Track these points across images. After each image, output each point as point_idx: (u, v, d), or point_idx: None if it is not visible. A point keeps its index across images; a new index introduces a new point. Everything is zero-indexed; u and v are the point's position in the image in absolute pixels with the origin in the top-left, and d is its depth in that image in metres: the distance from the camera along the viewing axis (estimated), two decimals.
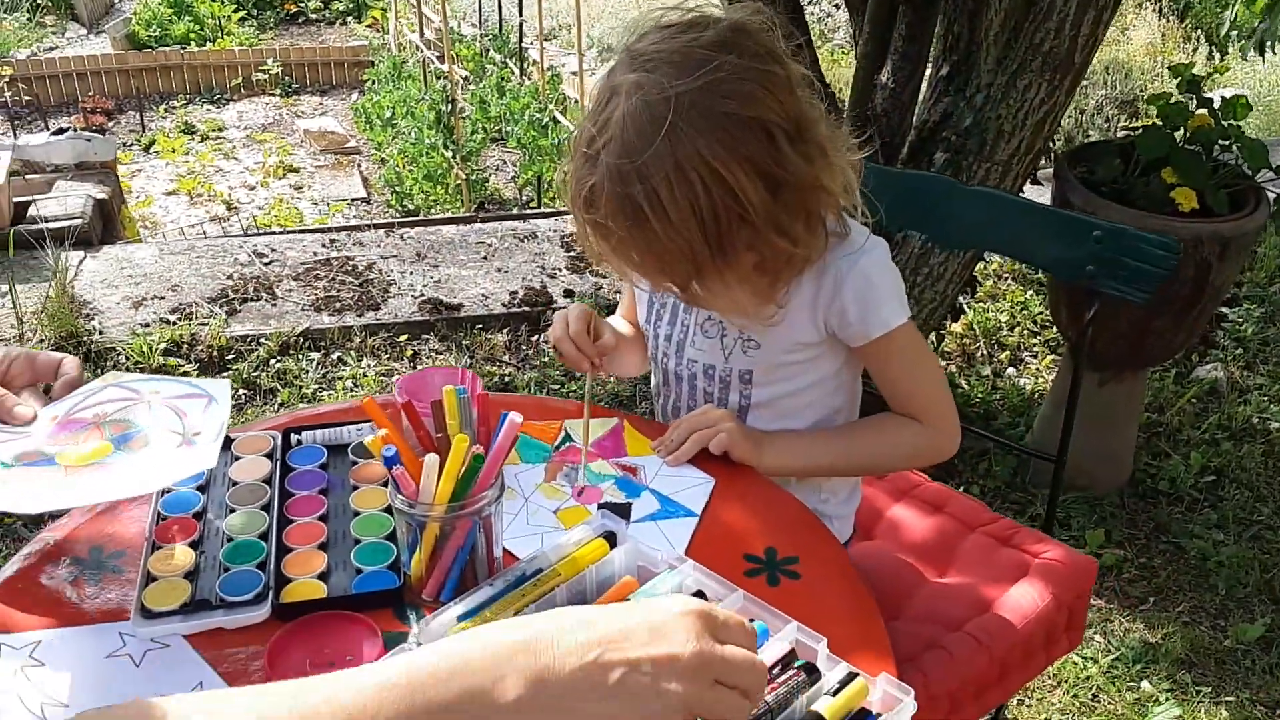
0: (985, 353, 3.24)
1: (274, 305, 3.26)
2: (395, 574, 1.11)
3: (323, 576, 1.11)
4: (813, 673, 0.95)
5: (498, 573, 1.06)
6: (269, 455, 1.27)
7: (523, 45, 7.07)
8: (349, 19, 9.78)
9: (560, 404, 1.45)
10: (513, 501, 1.26)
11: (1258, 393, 3.08)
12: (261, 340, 3.11)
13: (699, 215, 1.14)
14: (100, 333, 3.06)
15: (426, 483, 1.03)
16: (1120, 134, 5.33)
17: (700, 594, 1.04)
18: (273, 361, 3.08)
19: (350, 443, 1.31)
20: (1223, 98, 2.52)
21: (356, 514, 1.20)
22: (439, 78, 6.28)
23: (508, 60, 7.11)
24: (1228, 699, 2.18)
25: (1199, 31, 6.07)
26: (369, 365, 3.13)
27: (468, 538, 1.07)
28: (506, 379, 3.08)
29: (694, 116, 1.12)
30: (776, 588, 1.12)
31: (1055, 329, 3.34)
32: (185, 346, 3.04)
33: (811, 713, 0.92)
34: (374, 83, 7.05)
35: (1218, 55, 6.03)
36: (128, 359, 2.96)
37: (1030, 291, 3.52)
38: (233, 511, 1.18)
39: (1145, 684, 2.21)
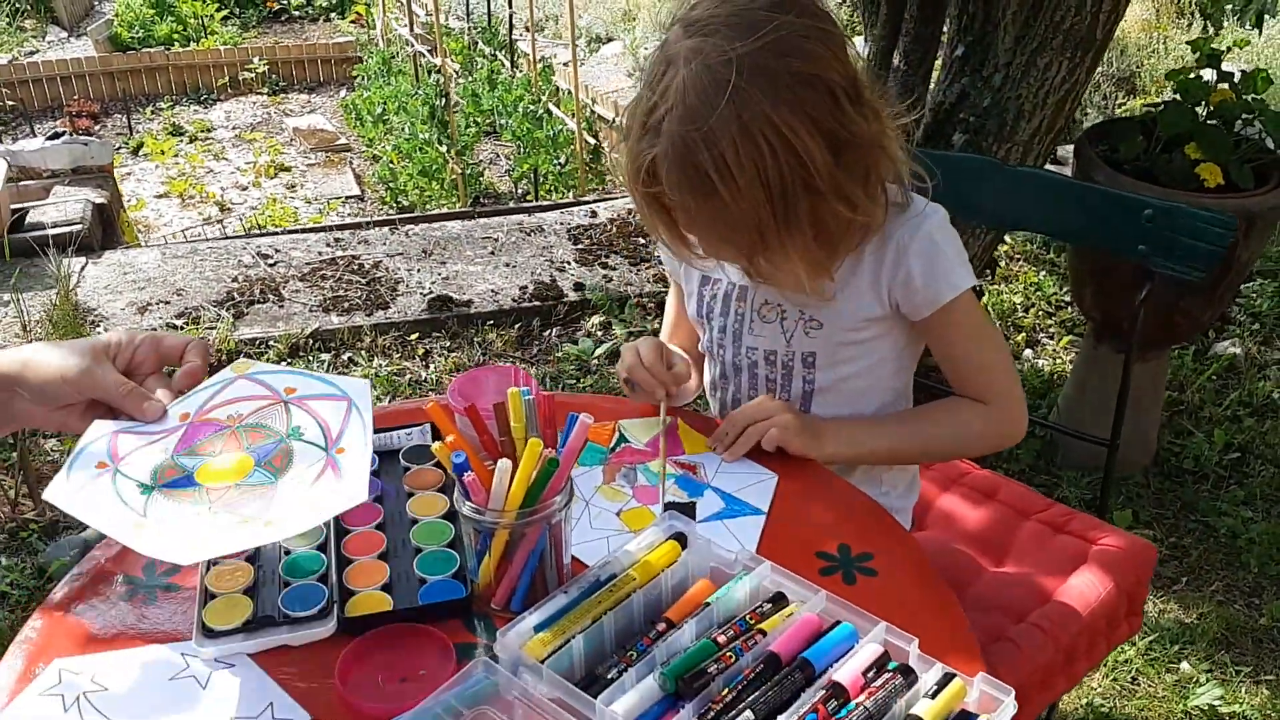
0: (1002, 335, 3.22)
1: (281, 307, 3.21)
2: (461, 583, 1.08)
3: (386, 588, 1.08)
4: (909, 674, 0.92)
5: (569, 580, 1.03)
6: None
7: (513, 37, 7.01)
8: (332, 15, 9.70)
9: (613, 403, 1.42)
10: (574, 506, 1.22)
11: (1276, 368, 3.06)
12: (271, 342, 3.07)
13: (765, 180, 1.11)
14: None
15: (498, 489, 1.00)
16: (1118, 111, 5.31)
17: (781, 596, 1.01)
18: (283, 364, 3.03)
19: (401, 448, 1.27)
20: (1242, 71, 2.49)
21: (414, 521, 1.16)
22: (431, 72, 6.22)
23: (497, 53, 7.05)
24: (1268, 678, 2.17)
25: (1193, 7, 6.05)
26: (381, 365, 3.09)
27: (537, 544, 1.04)
28: None
29: (757, 77, 1.10)
30: (854, 586, 1.09)
31: (1070, 310, 3.32)
32: None
33: (912, 716, 0.89)
34: (364, 79, 6.98)
35: (1212, 30, 6.02)
36: None
37: (1043, 272, 3.50)
38: None
39: (1184, 665, 2.19)
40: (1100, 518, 1.57)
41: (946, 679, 0.92)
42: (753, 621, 0.98)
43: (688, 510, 1.21)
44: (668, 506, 1.21)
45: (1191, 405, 2.92)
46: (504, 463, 0.99)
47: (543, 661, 0.94)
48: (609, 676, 0.94)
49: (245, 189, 6.12)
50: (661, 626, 0.99)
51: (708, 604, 1.00)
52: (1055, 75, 2.39)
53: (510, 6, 6.84)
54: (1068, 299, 3.36)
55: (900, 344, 1.35)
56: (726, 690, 0.91)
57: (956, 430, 1.32)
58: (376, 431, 1.28)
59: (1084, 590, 1.42)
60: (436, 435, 1.29)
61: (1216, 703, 2.09)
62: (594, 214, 3.80)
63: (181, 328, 3.08)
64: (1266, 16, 3.55)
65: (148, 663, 1.00)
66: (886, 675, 0.92)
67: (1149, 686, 2.15)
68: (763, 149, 1.10)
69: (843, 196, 1.16)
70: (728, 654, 0.94)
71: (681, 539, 1.07)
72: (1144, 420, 2.66)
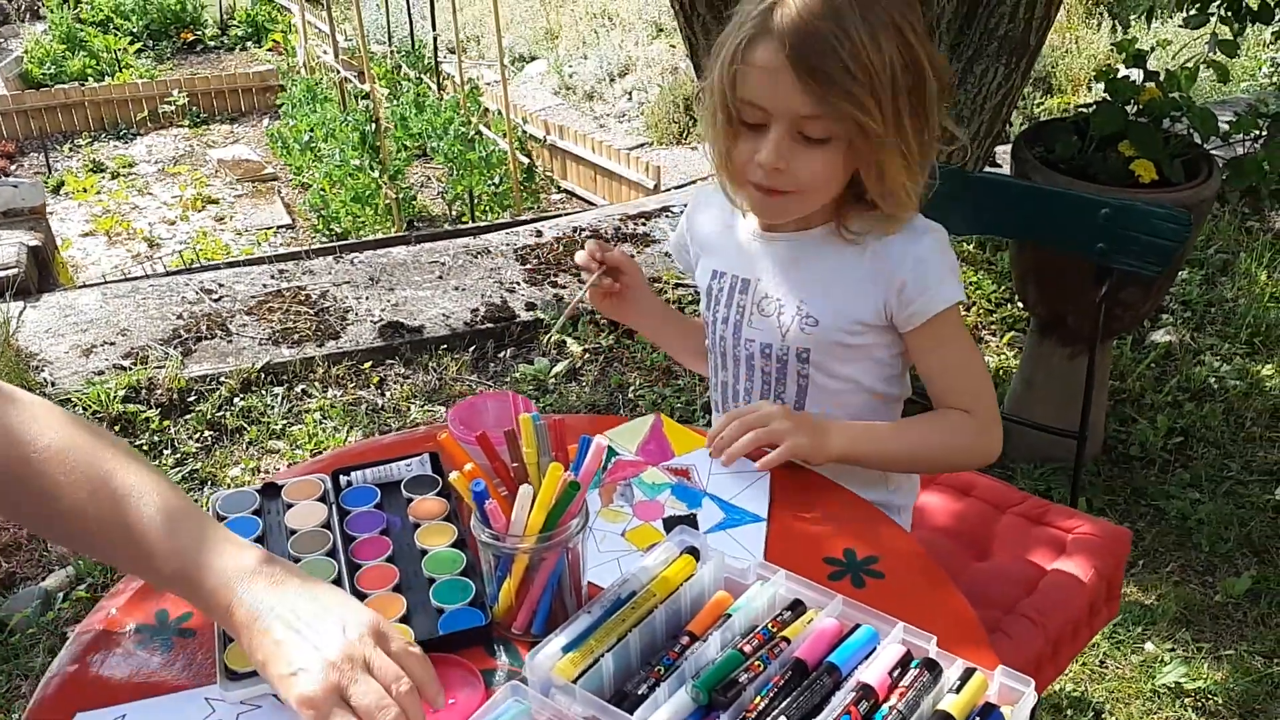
0: None
1: (230, 342, 3.17)
2: (479, 610, 1.09)
3: (405, 619, 1.08)
4: (934, 669, 0.95)
5: (589, 600, 1.05)
6: (322, 499, 1.23)
7: (438, 60, 7.00)
8: (249, 44, 9.60)
9: (604, 422, 1.43)
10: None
11: (1210, 353, 3.18)
12: (221, 379, 3.03)
13: (886, 64, 1.18)
14: (53, 384, 2.95)
15: (518, 514, 1.01)
16: (1038, 110, 5.47)
17: (798, 603, 1.04)
18: (236, 400, 3.00)
19: (402, 479, 1.27)
20: (1166, 70, 2.59)
21: (424, 552, 1.17)
22: (359, 98, 6.18)
23: (423, 76, 7.04)
24: (1227, 653, 2.25)
25: (1100, 8, 6.26)
26: (335, 395, 3.06)
27: (556, 567, 1.05)
28: None
29: None
30: (863, 589, 1.12)
31: (1010, 307, 3.41)
32: (144, 391, 2.95)
33: (940, 712, 0.92)
34: (289, 107, 6.92)
35: (1120, 28, 6.23)
36: (85, 409, 2.86)
37: (980, 272, 3.59)
38: (298, 560, 1.14)
39: (1149, 645, 2.27)
40: (1072, 507, 1.62)
41: (968, 674, 0.96)
42: (775, 629, 1.01)
43: (689, 524, 1.23)
44: (668, 527, 1.23)
45: (1133, 393, 3.01)
46: (526, 489, 1.00)
47: (574, 681, 0.95)
48: (640, 693, 0.96)
49: (173, 223, 6.03)
50: (685, 640, 1.01)
51: (729, 615, 1.02)
52: (992, 81, 2.47)
53: (434, 29, 6.83)
54: (1006, 297, 3.45)
55: (893, 352, 1.39)
56: (759, 699, 0.93)
57: (945, 439, 1.35)
58: (375, 464, 1.29)
59: (1066, 578, 1.47)
60: (436, 466, 1.30)
61: (1182, 680, 2.16)
62: (539, 234, 3.81)
63: (129, 368, 3.02)
64: (1158, 12, 3.71)
65: (174, 710, 0.99)
66: (914, 673, 0.95)
67: (1117, 668, 2.22)
68: (878, 29, 1.17)
69: (929, 118, 1.24)
70: (755, 663, 0.96)
71: (694, 553, 1.09)
72: (1092, 410, 2.75)
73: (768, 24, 1.20)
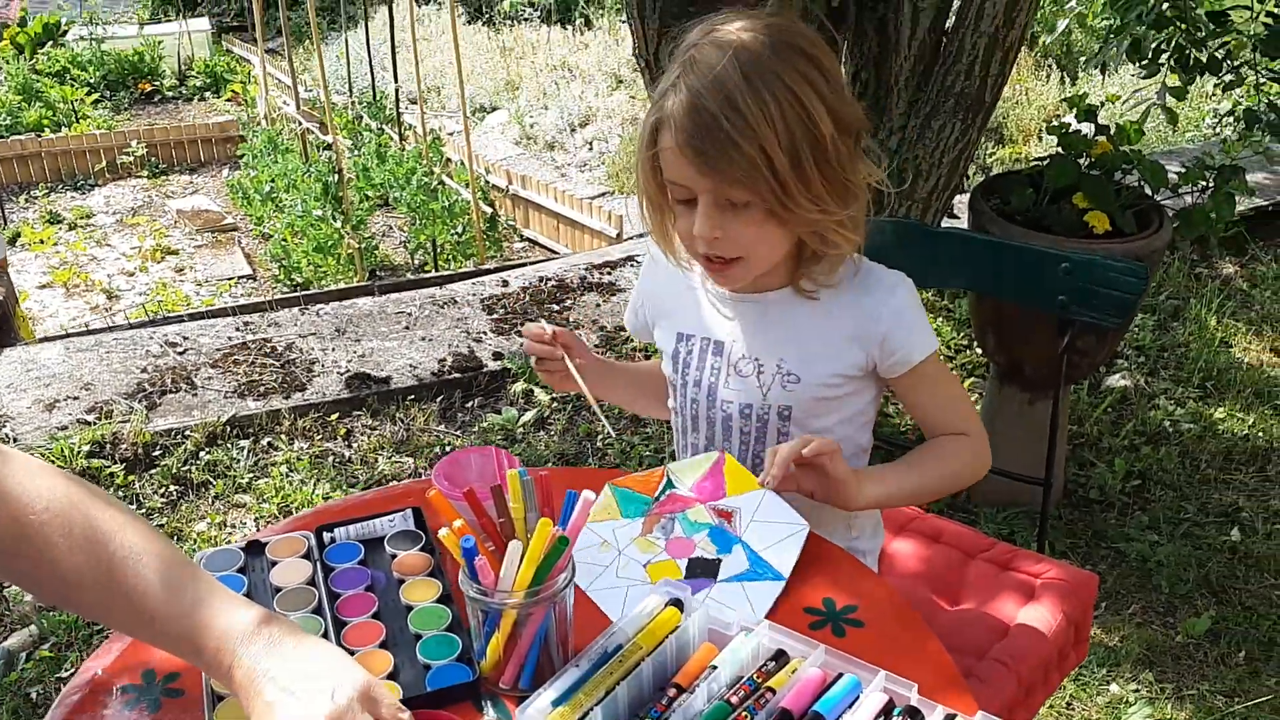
0: None
1: (195, 395, 3.16)
2: (467, 666, 1.10)
3: (392, 676, 1.09)
4: (916, 716, 0.98)
5: (578, 653, 1.06)
6: (306, 556, 1.24)
7: (399, 110, 7.04)
8: (208, 94, 9.60)
9: (603, 474, 1.44)
10: (606, 554, 1.26)
11: (1164, 397, 3.26)
12: (187, 433, 3.01)
13: (771, 121, 1.20)
14: (15, 440, 2.92)
15: (507, 570, 1.03)
16: (990, 160, 5.60)
17: (782, 653, 1.06)
18: (201, 454, 2.98)
19: (386, 534, 1.29)
20: (1116, 124, 2.68)
21: (410, 608, 1.18)
22: (322, 149, 6.20)
23: (384, 126, 7.07)
24: (1189, 692, 2.29)
25: (1049, 60, 6.43)
26: (302, 447, 3.05)
27: (543, 622, 1.07)
28: (448, 447, 3.05)
29: (763, 48, 1.22)
30: (844, 639, 1.14)
31: (968, 353, 3.47)
32: (109, 446, 2.92)
33: None
34: (249, 157, 6.91)
35: (1069, 81, 6.40)
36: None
37: (940, 319, 3.66)
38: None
39: (1114, 686, 2.30)
40: (1040, 551, 1.66)
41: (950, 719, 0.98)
42: (760, 680, 1.03)
43: (711, 568, 1.24)
44: (690, 569, 1.24)
45: (1091, 438, 3.08)
46: (515, 544, 1.02)
47: None
48: None
49: (132, 275, 5.99)
50: (672, 692, 1.03)
51: (714, 666, 1.04)
52: (949, 136, 2.54)
53: (396, 80, 6.88)
54: (966, 343, 3.52)
55: (868, 400, 1.43)
56: None
57: (955, 465, 1.39)
58: (358, 520, 1.30)
59: (1036, 623, 1.50)
60: (419, 521, 1.31)
61: None
62: (505, 283, 3.83)
63: (93, 423, 3.00)
64: (1111, 67, 3.84)
65: None
66: None
67: (1084, 710, 2.25)
68: (766, 99, 1.20)
69: (842, 170, 1.26)
70: (742, 713, 0.98)
71: (679, 604, 1.11)
72: (1054, 459, 2.81)
73: (664, 108, 1.25)
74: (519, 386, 3.27)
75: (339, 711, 0.90)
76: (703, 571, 1.24)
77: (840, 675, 1.03)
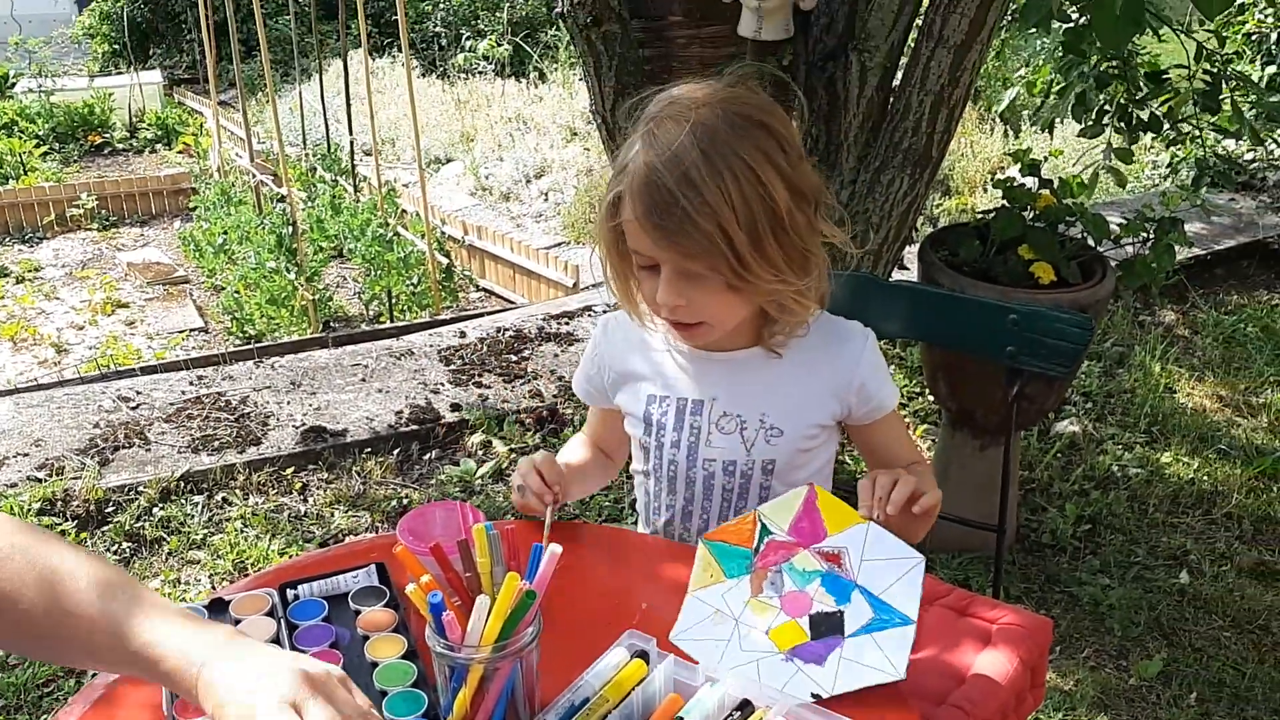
0: None
1: (148, 451, 3.13)
2: None
3: None
4: None
5: (545, 707, 1.07)
6: (269, 614, 1.24)
7: (354, 162, 7.06)
8: (159, 146, 9.55)
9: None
10: (723, 626, 1.22)
11: (1112, 442, 3.33)
12: (140, 489, 2.98)
13: (729, 198, 1.23)
14: None
15: (475, 624, 1.03)
16: (937, 211, 5.71)
17: (747, 703, 1.08)
18: (155, 510, 2.95)
19: (349, 590, 1.29)
20: (1059, 178, 2.77)
21: (375, 664, 1.18)
22: (276, 200, 6.19)
23: (339, 178, 7.08)
24: None
25: (994, 116, 6.59)
26: (257, 502, 3.03)
27: (510, 676, 1.07)
28: (405, 501, 3.04)
29: (718, 121, 1.25)
30: None
31: (921, 400, 3.53)
32: (60, 503, 2.88)
33: None
34: (202, 210, 6.88)
35: (1013, 136, 6.56)
36: None
37: (892, 366, 3.72)
38: None
39: None
40: (995, 597, 1.69)
41: None
42: None
43: (835, 623, 1.20)
44: (814, 627, 1.21)
45: (1041, 483, 3.13)
46: (483, 599, 1.03)
47: None
48: None
49: (82, 328, 5.91)
50: None
51: (680, 717, 1.05)
52: (898, 190, 2.60)
53: (350, 132, 6.90)
54: (917, 390, 3.57)
55: (833, 449, 1.48)
56: None
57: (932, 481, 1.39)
58: (320, 577, 1.30)
59: (993, 668, 1.52)
60: (383, 577, 1.31)
61: None
62: (463, 334, 3.84)
63: (44, 480, 2.96)
64: (1057, 124, 3.96)
65: None
66: None
67: None
68: (724, 176, 1.23)
69: (801, 239, 1.29)
70: None
71: (645, 656, 1.13)
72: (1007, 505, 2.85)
73: (623, 182, 1.29)
74: (477, 438, 3.27)
75: (307, 681, 0.90)
76: (828, 629, 1.20)
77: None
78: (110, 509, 2.92)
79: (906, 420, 3.47)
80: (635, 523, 1.63)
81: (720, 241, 1.24)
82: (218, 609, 1.25)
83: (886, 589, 1.21)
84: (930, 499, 1.27)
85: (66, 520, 2.85)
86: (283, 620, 1.23)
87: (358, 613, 1.26)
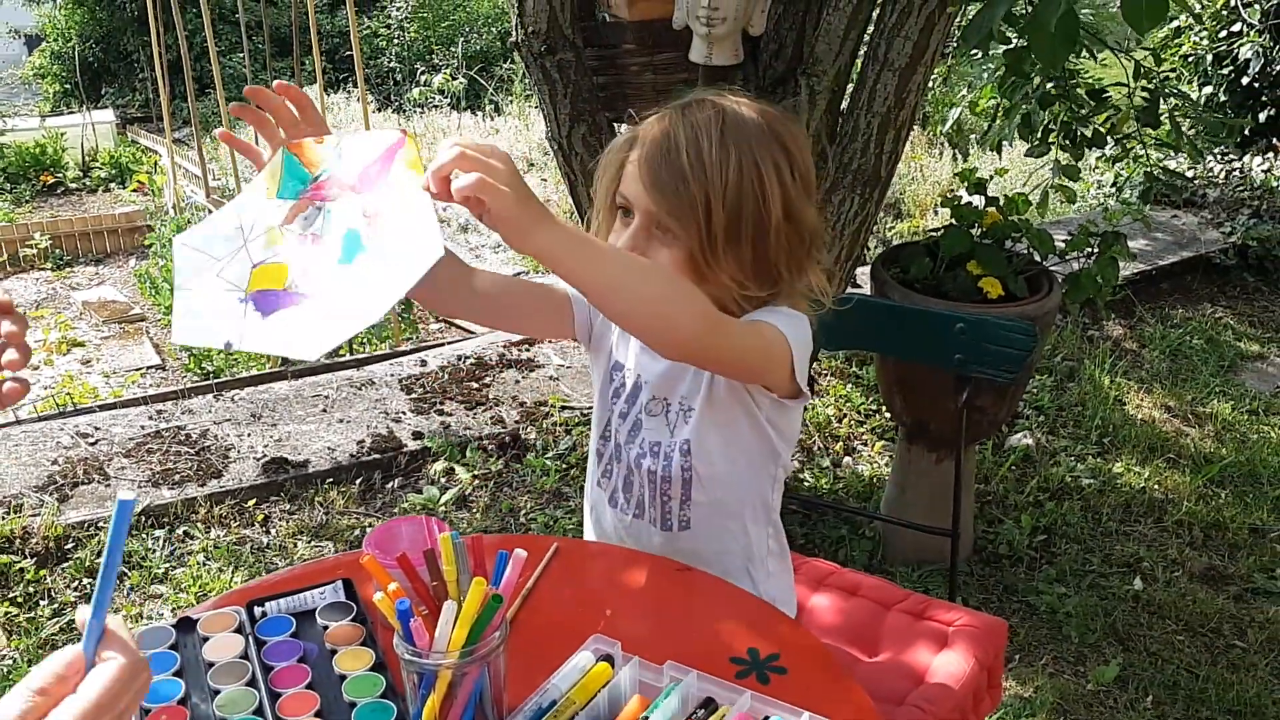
0: (821, 445, 3.44)
1: (108, 486, 3.11)
2: None
3: None
4: None
5: (512, 711, 1.09)
6: (238, 631, 1.25)
7: None
8: (112, 185, 9.49)
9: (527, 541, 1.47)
10: (228, 245, 1.07)
11: (1065, 454, 3.40)
12: (100, 525, 2.96)
13: (725, 181, 1.27)
14: None
15: (442, 629, 1.06)
16: (889, 233, 5.81)
17: (710, 700, 1.11)
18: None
19: (316, 607, 1.30)
20: (1005, 196, 2.84)
21: (343, 677, 1.19)
22: None
23: None
24: None
25: (939, 139, 6.72)
26: (219, 535, 3.02)
27: (479, 681, 1.10)
28: (368, 530, 3.03)
29: (743, 123, 1.30)
30: (769, 686, 1.19)
31: (878, 417, 3.58)
32: (19, 541, 2.86)
33: None
34: (158, 247, 6.84)
35: (960, 158, 6.69)
36: None
37: (850, 385, 3.77)
38: (218, 693, 1.16)
39: None
40: (951, 600, 1.73)
41: None
42: None
43: (316, 281, 1.05)
44: (301, 277, 1.04)
45: (997, 495, 3.19)
46: (450, 604, 1.05)
47: None
48: None
49: (37, 368, 5.84)
50: None
51: (646, 717, 1.08)
52: (849, 209, 2.66)
53: None
54: (875, 407, 3.63)
55: (768, 447, 1.44)
56: None
57: (659, 276, 1.24)
58: (288, 594, 1.32)
59: (950, 668, 1.56)
60: (349, 592, 1.33)
61: None
62: (424, 363, 3.86)
63: (2, 518, 2.93)
64: (1005, 145, 4.06)
65: None
66: None
67: None
68: (730, 158, 1.27)
69: (776, 259, 1.31)
70: None
71: (610, 660, 1.15)
72: (961, 511, 2.91)
73: (643, 127, 1.36)
74: (439, 465, 3.28)
75: None
76: (306, 286, 1.04)
77: (767, 718, 1.08)
78: (70, 545, 2.90)
79: (864, 437, 3.52)
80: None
81: (700, 211, 1.28)
82: (185, 627, 1.26)
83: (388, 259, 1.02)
84: (479, 187, 1.01)
85: (26, 558, 2.82)
86: (250, 636, 1.24)
87: (325, 628, 1.27)
